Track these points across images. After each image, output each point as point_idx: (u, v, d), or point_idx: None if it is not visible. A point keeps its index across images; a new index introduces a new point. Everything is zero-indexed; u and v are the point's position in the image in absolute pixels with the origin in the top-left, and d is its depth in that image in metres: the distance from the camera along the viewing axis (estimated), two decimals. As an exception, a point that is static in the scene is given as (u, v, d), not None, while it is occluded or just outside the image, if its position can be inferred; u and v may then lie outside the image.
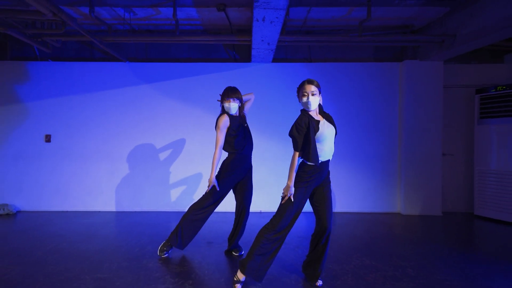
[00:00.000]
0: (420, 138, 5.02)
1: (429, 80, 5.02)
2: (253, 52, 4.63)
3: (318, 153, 2.48)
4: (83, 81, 5.15)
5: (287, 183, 2.52)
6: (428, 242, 3.75)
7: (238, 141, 3.15)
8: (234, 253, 3.33)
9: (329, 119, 2.62)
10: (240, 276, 2.57)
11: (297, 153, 2.49)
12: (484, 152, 4.89)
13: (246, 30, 4.95)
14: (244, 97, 3.34)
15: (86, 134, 5.15)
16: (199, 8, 4.25)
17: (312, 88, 2.51)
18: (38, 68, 5.11)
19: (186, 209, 5.13)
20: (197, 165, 5.17)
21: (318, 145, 2.49)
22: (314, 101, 2.51)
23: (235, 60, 5.31)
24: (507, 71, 5.18)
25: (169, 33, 5.05)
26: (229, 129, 3.13)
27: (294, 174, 2.50)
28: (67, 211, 5.08)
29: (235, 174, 3.18)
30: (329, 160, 2.60)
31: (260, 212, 5.15)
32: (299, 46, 5.28)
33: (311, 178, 2.52)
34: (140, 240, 3.70)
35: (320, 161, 2.50)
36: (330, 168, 5.29)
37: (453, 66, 5.24)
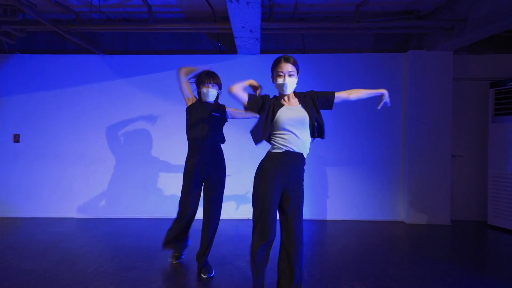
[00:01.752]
0: (427, 137, 4.47)
1: (437, 72, 4.46)
2: (237, 42, 4.14)
3: (280, 141, 2.15)
4: (54, 75, 4.72)
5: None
6: (433, 258, 3.24)
7: (196, 131, 2.79)
8: (203, 275, 2.84)
9: (308, 106, 2.18)
10: None
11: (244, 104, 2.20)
12: (499, 153, 4.31)
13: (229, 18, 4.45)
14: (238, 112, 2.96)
15: (59, 134, 4.72)
16: (174, -8, 3.77)
17: (290, 67, 2.13)
18: (5, 61, 4.70)
19: (167, 216, 4.73)
20: (180, 167, 4.71)
21: (280, 133, 2.16)
22: (291, 83, 2.15)
23: (221, 51, 4.82)
24: (526, 62, 4.58)
25: (144, 21, 4.57)
26: (190, 110, 2.83)
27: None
28: (37, 218, 4.67)
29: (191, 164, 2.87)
30: (296, 152, 2.15)
31: (248, 219, 4.67)
32: (291, 36, 4.76)
33: (274, 170, 2.12)
34: (100, 256, 3.25)
35: (283, 150, 2.14)
36: (325, 170, 4.83)
37: (464, 56, 4.66)
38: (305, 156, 2.21)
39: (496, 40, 4.62)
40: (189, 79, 2.90)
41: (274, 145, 2.19)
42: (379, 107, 2.39)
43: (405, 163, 4.57)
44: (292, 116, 2.14)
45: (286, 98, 2.22)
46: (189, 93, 2.88)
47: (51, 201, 4.73)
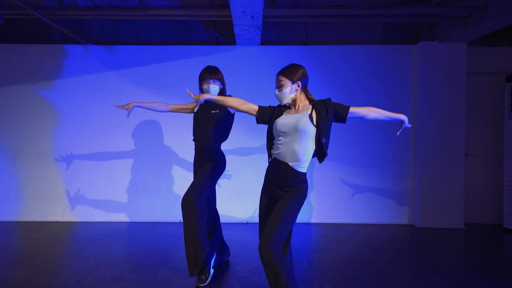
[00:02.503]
0: (438, 135, 4.18)
1: (450, 65, 4.17)
2: (236, 31, 3.81)
3: (274, 149, 2.12)
4: (37, 67, 4.34)
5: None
6: (445, 265, 2.97)
7: (196, 131, 2.79)
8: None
9: (321, 120, 2.01)
10: None
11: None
12: (516, 152, 4.05)
13: (228, 4, 4.13)
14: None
15: (41, 131, 4.35)
16: (167, -26, 3.43)
17: (279, 78, 2.10)
18: (-18, 52, 4.32)
19: (159, 219, 4.39)
20: (172, 167, 4.37)
21: (275, 140, 2.11)
22: (280, 94, 2.10)
23: (218, 42, 4.49)
24: (543, 55, 4.32)
25: (135, 8, 4.22)
26: (195, 114, 2.80)
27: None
28: (17, 221, 4.30)
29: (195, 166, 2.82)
30: (286, 163, 2.02)
31: (247, 223, 4.36)
32: (293, 25, 4.44)
33: (267, 177, 2.19)
34: (85, 264, 2.90)
35: (272, 157, 2.13)
36: (330, 170, 4.51)
37: (478, 49, 4.38)
38: (297, 168, 2.02)
39: (510, 32, 4.35)
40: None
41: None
42: (398, 133, 2.30)
43: (415, 162, 4.28)
44: (285, 123, 2.05)
45: (296, 106, 2.12)
46: (186, 105, 2.88)
47: (32, 203, 4.36)
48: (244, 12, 3.25)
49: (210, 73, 2.73)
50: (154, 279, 2.65)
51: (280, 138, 2.05)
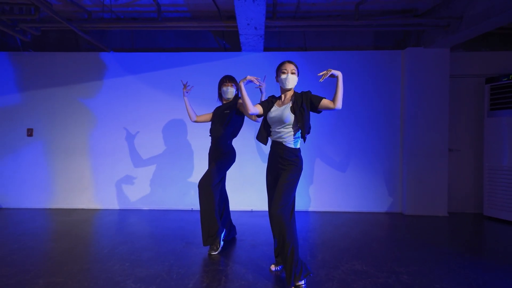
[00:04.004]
0: (424, 132, 4.64)
1: (434, 69, 4.63)
2: (242, 39, 4.32)
3: (272, 133, 2.60)
4: (66, 72, 4.91)
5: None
6: (430, 245, 3.39)
7: (211, 126, 3.32)
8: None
9: (299, 111, 2.45)
10: (301, 284, 2.36)
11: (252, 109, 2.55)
12: (494, 147, 4.47)
13: (234, 16, 4.64)
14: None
15: (70, 128, 4.91)
16: (182, -9, 3.96)
17: (292, 66, 2.55)
18: (19, 59, 4.89)
19: (172, 207, 4.90)
20: (185, 161, 4.89)
21: (272, 126, 2.58)
22: (292, 79, 2.53)
23: (225, 49, 5.00)
24: (520, 58, 4.75)
25: (153, 20, 4.76)
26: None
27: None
28: (49, 208, 4.85)
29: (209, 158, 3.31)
30: (281, 143, 2.51)
31: (252, 211, 4.84)
32: (293, 34, 4.94)
33: (270, 157, 2.63)
34: (113, 240, 3.43)
35: (270, 140, 2.65)
36: (326, 163, 4.99)
37: (461, 53, 4.83)
38: (289, 145, 2.50)
39: (491, 38, 4.79)
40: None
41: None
42: (321, 80, 2.41)
43: (403, 157, 4.73)
44: (274, 115, 2.53)
45: (282, 97, 2.59)
46: (205, 116, 3.46)
47: (61, 192, 4.91)
48: (248, 24, 3.76)
49: (229, 78, 3.30)
50: (174, 249, 3.16)
51: (273, 125, 2.54)
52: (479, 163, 4.81)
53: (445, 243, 3.48)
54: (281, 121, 2.48)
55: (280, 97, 2.61)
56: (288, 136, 2.49)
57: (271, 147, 2.62)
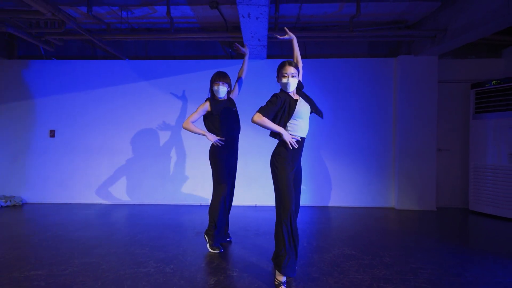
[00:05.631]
0: (415, 133, 5.02)
1: (424, 75, 5.01)
2: (247, 49, 4.73)
3: (295, 129, 2.58)
4: (85, 78, 5.36)
5: (279, 133, 2.52)
6: (415, 235, 3.78)
7: (224, 124, 3.25)
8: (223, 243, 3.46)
9: (306, 98, 2.70)
10: (280, 277, 2.48)
11: (260, 115, 2.48)
12: (479, 147, 4.86)
13: (239, 27, 5.06)
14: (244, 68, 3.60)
15: (88, 129, 5.36)
16: (193, 6, 4.37)
17: (292, 69, 2.58)
18: (43, 66, 5.35)
19: (182, 203, 5.33)
20: (193, 160, 5.31)
21: (295, 121, 2.58)
22: (293, 82, 2.59)
23: (231, 57, 5.42)
24: (504, 66, 5.12)
25: (166, 31, 5.20)
26: (211, 112, 3.24)
27: (273, 124, 2.52)
28: (69, 203, 5.30)
29: (227, 155, 3.26)
30: (304, 139, 2.65)
31: (256, 206, 5.25)
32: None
33: (293, 156, 2.57)
34: (132, 230, 3.86)
35: (299, 136, 2.59)
36: (325, 161, 5.41)
37: (449, 61, 5.21)
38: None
39: (478, 47, 5.17)
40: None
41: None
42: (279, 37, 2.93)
43: (395, 156, 5.12)
44: (306, 108, 2.64)
45: (292, 93, 2.66)
46: (194, 116, 3.28)
47: (81, 189, 5.36)
48: (252, 37, 4.18)
49: (221, 76, 3.23)
50: (187, 237, 3.60)
51: (302, 119, 2.59)
52: (465, 162, 5.19)
53: (430, 233, 3.86)
54: (308, 113, 2.62)
55: (287, 93, 2.62)
56: (307, 128, 2.65)
57: (301, 141, 2.60)
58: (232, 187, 3.43)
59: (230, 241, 3.48)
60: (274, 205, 2.61)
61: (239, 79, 3.58)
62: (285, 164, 2.53)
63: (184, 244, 3.37)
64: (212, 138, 3.21)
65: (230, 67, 5.24)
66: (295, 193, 2.62)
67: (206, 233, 3.23)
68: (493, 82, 4.66)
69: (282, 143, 2.57)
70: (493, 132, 4.70)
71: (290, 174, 2.54)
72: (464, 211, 5.01)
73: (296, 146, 2.54)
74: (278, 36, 3.07)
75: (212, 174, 3.28)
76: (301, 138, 2.62)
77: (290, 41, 3.01)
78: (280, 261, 2.44)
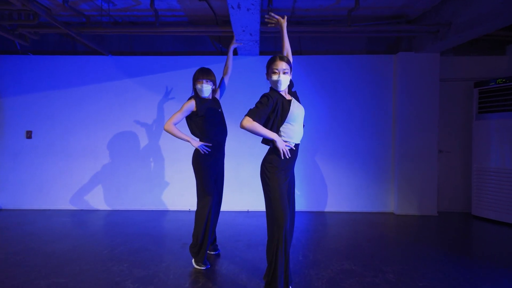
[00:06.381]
0: (415, 134, 4.76)
1: (425, 73, 4.75)
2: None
3: (289, 134, 2.28)
4: (64, 75, 5.00)
5: (273, 140, 2.20)
6: (418, 244, 3.52)
7: (210, 127, 2.92)
8: (210, 252, 3.16)
9: (297, 98, 2.41)
10: None
11: (250, 119, 2.14)
12: (482, 149, 4.61)
13: (230, 20, 4.74)
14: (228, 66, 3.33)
15: (69, 130, 5.00)
16: (179, -3, 4.05)
17: (284, 65, 2.27)
18: (18, 62, 4.97)
19: (170, 208, 5.01)
20: (181, 162, 5.00)
21: (289, 126, 2.28)
22: (285, 80, 2.28)
23: (222, 53, 5.10)
24: (508, 63, 4.88)
25: (151, 25, 4.85)
26: (196, 113, 2.90)
27: (265, 130, 2.19)
28: (48, 209, 4.95)
29: (213, 161, 2.93)
30: (298, 145, 2.36)
31: (248, 211, 4.96)
32: (289, 38, 5.02)
33: (286, 163, 2.27)
34: (112, 241, 3.54)
35: (293, 143, 2.30)
36: (321, 164, 5.13)
37: (451, 58, 4.96)
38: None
39: (480, 43, 4.92)
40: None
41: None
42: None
43: (395, 158, 4.86)
44: (300, 110, 2.34)
45: (283, 93, 2.35)
46: (177, 116, 2.92)
47: (61, 194, 5.00)
48: (243, 31, 3.87)
49: (204, 73, 2.91)
50: (171, 249, 3.28)
51: (297, 122, 2.29)
52: (468, 164, 4.95)
53: (432, 242, 3.61)
54: (303, 116, 2.35)
55: (278, 93, 2.32)
56: (302, 133, 2.38)
57: (295, 148, 2.32)
58: (220, 197, 3.12)
59: (218, 254, 3.17)
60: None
61: (222, 80, 3.29)
62: (278, 173, 2.23)
63: (167, 259, 3.06)
64: (197, 144, 2.89)
65: (220, 64, 4.89)
66: (290, 205, 2.32)
67: (190, 249, 2.92)
68: (497, 81, 4.42)
69: (274, 149, 2.26)
70: (497, 133, 4.46)
71: (284, 185, 2.24)
72: (466, 216, 4.78)
73: (289, 155, 2.24)
74: (271, 16, 2.68)
75: (197, 183, 2.96)
76: (295, 145, 2.33)
77: (280, 31, 2.65)
78: (274, 283, 2.17)
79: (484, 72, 4.90)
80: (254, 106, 2.24)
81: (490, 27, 3.62)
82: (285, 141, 2.27)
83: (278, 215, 2.15)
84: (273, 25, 2.77)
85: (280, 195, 2.18)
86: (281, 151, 2.20)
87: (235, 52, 4.95)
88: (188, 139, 2.88)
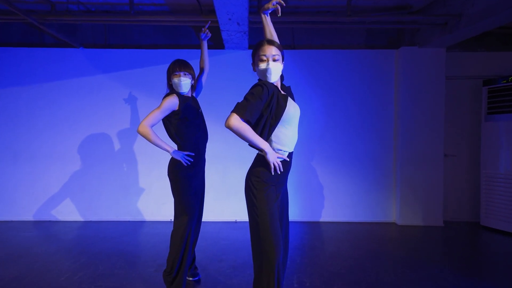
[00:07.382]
0: (419, 136, 4.35)
1: (430, 69, 4.34)
2: (224, 36, 3.95)
3: (283, 141, 1.82)
4: (30, 69, 4.44)
5: (263, 150, 1.74)
6: (424, 261, 3.12)
7: (194, 131, 2.47)
8: (188, 278, 2.67)
9: (292, 96, 1.94)
10: None
11: (238, 118, 1.66)
12: (492, 153, 4.22)
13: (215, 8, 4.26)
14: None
15: (34, 132, 4.45)
16: (157, -19, 3.56)
17: (274, 50, 1.81)
18: (-24, 55, 4.41)
19: (149, 219, 4.50)
20: (162, 167, 4.49)
21: (282, 130, 1.82)
22: (276, 68, 1.81)
23: (208, 46, 4.60)
24: (518, 60, 4.51)
25: (126, 13, 4.33)
26: (177, 113, 2.42)
27: (256, 136, 1.73)
28: (10, 221, 4.39)
29: (193, 171, 2.45)
30: (292, 154, 1.92)
31: (236, 222, 4.49)
32: (280, 30, 4.54)
33: (278, 178, 1.83)
34: (74, 262, 3.02)
35: (287, 152, 1.86)
36: (316, 169, 4.68)
37: (457, 54, 4.56)
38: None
39: (489, 38, 4.54)
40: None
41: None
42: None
43: (397, 162, 4.45)
44: (296, 110, 1.88)
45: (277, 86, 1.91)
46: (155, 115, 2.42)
47: (26, 203, 4.45)
48: (230, 19, 3.40)
49: (181, 65, 2.46)
50: (142, 274, 2.79)
51: (292, 125, 1.87)
52: (476, 169, 4.55)
53: (440, 258, 3.23)
54: (298, 117, 1.91)
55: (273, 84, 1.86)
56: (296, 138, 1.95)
57: (289, 158, 1.90)
58: (200, 212, 2.64)
59: (198, 280, 2.69)
60: None
61: (199, 78, 2.85)
62: (267, 190, 1.78)
63: (138, 281, 2.56)
64: (179, 156, 2.40)
65: (205, 58, 4.47)
66: (282, 231, 1.84)
67: (164, 277, 2.42)
68: (510, 79, 4.04)
69: (263, 159, 1.79)
70: (508, 135, 4.08)
71: (275, 205, 1.77)
72: (475, 226, 4.38)
73: (280, 171, 1.77)
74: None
75: (174, 197, 2.46)
76: (288, 154, 1.87)
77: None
78: None
79: (494, 69, 4.50)
80: (243, 99, 1.74)
81: (505, 18, 3.22)
82: (277, 150, 1.80)
83: (268, 246, 1.68)
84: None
85: (270, 219, 1.72)
86: (272, 166, 1.73)
87: (222, 46, 4.47)
88: (168, 148, 2.39)
